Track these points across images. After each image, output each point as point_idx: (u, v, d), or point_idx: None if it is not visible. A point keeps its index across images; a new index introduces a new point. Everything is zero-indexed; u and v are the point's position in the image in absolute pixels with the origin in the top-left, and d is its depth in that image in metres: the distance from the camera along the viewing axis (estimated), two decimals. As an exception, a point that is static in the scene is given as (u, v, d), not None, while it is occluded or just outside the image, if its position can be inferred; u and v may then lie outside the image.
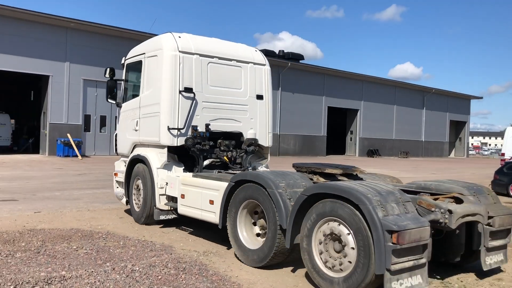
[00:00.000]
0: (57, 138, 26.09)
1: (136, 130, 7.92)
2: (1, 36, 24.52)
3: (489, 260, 5.18)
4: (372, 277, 4.20)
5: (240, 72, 7.68)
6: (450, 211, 4.63)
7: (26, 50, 25.35)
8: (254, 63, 7.89)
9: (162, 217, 7.08)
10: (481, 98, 60.66)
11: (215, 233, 6.91)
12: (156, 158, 7.21)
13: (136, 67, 8.10)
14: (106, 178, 15.12)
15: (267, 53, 38.68)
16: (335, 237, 4.53)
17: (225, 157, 7.37)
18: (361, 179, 6.08)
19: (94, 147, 28.39)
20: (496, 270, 5.59)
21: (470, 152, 65.60)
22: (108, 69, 8.85)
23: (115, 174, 8.69)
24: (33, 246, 5.72)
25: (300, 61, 40.50)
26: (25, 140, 32.77)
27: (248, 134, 7.69)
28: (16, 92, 37.18)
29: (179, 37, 7.21)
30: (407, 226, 4.16)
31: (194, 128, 7.11)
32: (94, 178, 15.13)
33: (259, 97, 7.86)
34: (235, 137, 7.66)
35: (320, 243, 4.64)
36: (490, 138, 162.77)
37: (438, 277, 5.25)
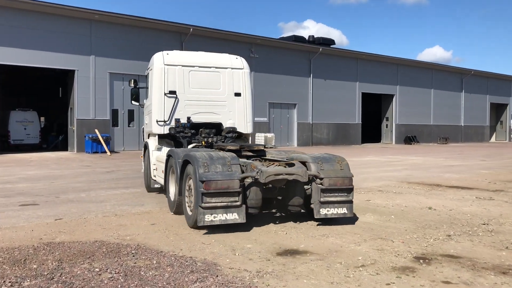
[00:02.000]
0: (85, 134, 25.41)
1: (146, 124, 10.55)
2: (23, 31, 23.86)
3: (324, 211, 6.74)
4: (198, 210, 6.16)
5: (219, 76, 9.78)
6: (261, 171, 6.44)
7: (50, 45, 24.65)
8: (232, 68, 9.90)
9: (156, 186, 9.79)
10: (523, 78, 57.30)
11: (261, 243, 5.68)
12: (153, 143, 9.94)
13: (147, 77, 10.58)
14: (135, 175, 14.11)
15: (296, 38, 37.16)
16: (190, 188, 6.70)
17: (203, 142, 9.04)
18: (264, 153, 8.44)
19: (123, 142, 27.62)
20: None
21: (512, 136, 62.33)
22: (132, 80, 11.27)
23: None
24: (46, 269, 4.60)
25: (331, 46, 38.76)
26: (54, 137, 32.37)
27: (227, 124, 9.68)
28: (45, 89, 36.84)
29: (167, 54, 9.73)
30: (214, 178, 6.10)
31: (177, 120, 9.28)
32: (123, 175, 14.14)
33: (237, 94, 9.88)
34: (216, 127, 9.68)
35: (187, 193, 6.85)
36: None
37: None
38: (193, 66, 9.67)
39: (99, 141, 25.04)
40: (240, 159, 7.05)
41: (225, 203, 6.17)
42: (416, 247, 5.66)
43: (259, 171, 6.47)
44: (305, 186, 6.92)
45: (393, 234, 6.36)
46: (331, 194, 6.77)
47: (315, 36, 38.98)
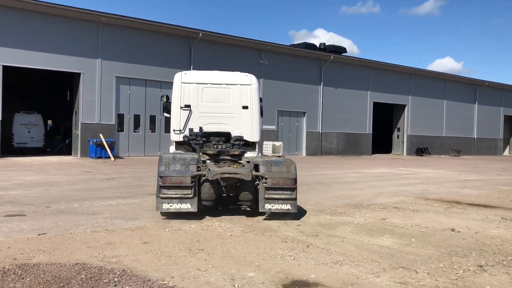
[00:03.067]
0: (89, 138, 24.83)
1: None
2: (28, 32, 23.43)
3: (268, 206, 7.85)
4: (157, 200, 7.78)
5: (229, 91, 10.86)
6: (209, 170, 7.85)
7: (56, 47, 24.19)
8: (241, 84, 10.95)
9: None
10: (539, 91, 56.06)
11: (265, 271, 4.94)
12: (172, 149, 11.13)
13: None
14: (136, 183, 13.43)
15: (307, 46, 36.49)
16: None
17: (212, 147, 9.97)
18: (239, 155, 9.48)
19: (128, 148, 27.02)
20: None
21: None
22: (164, 96, 12.10)
23: None
24: (9, 301, 3.88)
25: (343, 54, 38.03)
26: (59, 140, 31.88)
27: (235, 133, 10.61)
28: (52, 91, 36.47)
29: (185, 73, 10.93)
30: (169, 175, 7.59)
31: (190, 129, 10.45)
32: (123, 183, 13.46)
33: (245, 107, 10.91)
34: (226, 136, 10.57)
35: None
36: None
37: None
38: (206, 83, 11.03)
39: (103, 146, 24.45)
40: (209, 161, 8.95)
41: (179, 195, 7.68)
42: (444, 281, 4.88)
43: (208, 170, 7.96)
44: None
45: (416, 262, 5.58)
46: (275, 192, 7.93)
47: (326, 44, 38.33)
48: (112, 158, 24.00)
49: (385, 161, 31.77)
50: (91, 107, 25.53)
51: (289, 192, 7.94)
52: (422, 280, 4.87)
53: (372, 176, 18.66)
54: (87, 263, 5.09)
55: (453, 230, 7.63)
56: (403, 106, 41.89)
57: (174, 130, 10.93)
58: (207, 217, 8.10)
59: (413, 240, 6.78)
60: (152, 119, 27.95)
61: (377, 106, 39.65)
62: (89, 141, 24.70)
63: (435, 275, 5.08)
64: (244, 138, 10.79)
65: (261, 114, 12.01)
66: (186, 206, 7.69)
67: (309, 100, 34.61)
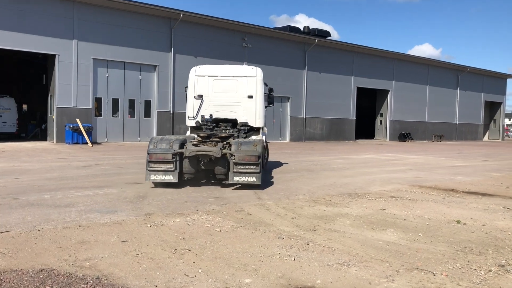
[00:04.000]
0: (66, 123, 23.75)
1: None
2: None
3: (237, 178, 9.26)
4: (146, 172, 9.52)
5: (236, 82, 12.50)
6: (186, 149, 9.50)
7: (29, 27, 22.90)
8: (247, 76, 12.60)
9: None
10: (518, 77, 56.50)
11: (263, 276, 4.28)
12: (188, 134, 12.26)
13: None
14: (114, 171, 12.59)
15: (291, 29, 35.60)
16: None
17: (216, 131, 11.61)
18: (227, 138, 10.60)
19: (106, 133, 25.99)
20: (361, 239, 6.50)
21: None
22: (186, 87, 13.00)
23: None
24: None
25: (327, 38, 37.32)
26: (34, 126, 30.60)
27: (241, 119, 12.40)
28: (28, 75, 34.92)
29: (199, 68, 12.66)
30: (153, 151, 9.33)
31: (202, 116, 12.10)
32: (101, 171, 12.61)
33: (250, 96, 12.49)
34: (233, 122, 12.38)
35: None
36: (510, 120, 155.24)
37: (283, 237, 6.26)
38: (216, 76, 12.71)
39: (80, 131, 23.41)
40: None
41: (163, 168, 9.30)
42: (467, 285, 4.30)
43: (185, 149, 9.53)
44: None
45: (430, 261, 4.99)
46: (242, 167, 9.25)
47: (310, 28, 37.52)
48: (90, 144, 22.99)
49: (370, 146, 31.41)
50: (67, 91, 24.37)
51: (254, 167, 9.26)
52: (443, 285, 4.28)
53: (360, 162, 18.16)
54: (55, 269, 4.35)
55: (458, 222, 7.09)
56: (387, 92, 41.56)
57: (188, 117, 12.77)
58: (193, 210, 7.40)
59: (420, 234, 6.20)
60: (131, 103, 26.92)
61: (360, 91, 39.20)
62: (65, 126, 23.63)
63: (455, 277, 4.49)
64: (249, 124, 12.66)
65: (272, 103, 14.44)
66: (169, 177, 9.34)
67: (293, 84, 33.91)
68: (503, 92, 55.29)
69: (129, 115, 26.91)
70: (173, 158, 9.29)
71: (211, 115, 12.18)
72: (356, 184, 11.22)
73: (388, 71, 41.07)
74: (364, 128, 43.15)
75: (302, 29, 36.91)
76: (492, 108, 55.44)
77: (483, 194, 10.23)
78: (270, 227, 6.37)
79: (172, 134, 28.10)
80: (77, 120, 23.74)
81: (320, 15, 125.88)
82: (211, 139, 10.44)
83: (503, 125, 56.85)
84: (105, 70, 25.76)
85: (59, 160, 15.59)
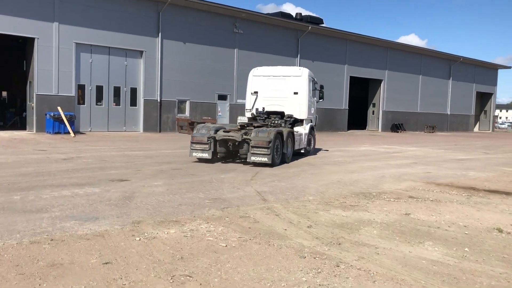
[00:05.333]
0: (46, 112, 22.31)
1: None
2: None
3: (253, 158, 11.76)
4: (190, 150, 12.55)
5: (285, 81, 15.06)
6: (217, 131, 12.35)
7: (6, 8, 21.33)
8: (294, 76, 15.11)
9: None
10: (510, 67, 56.14)
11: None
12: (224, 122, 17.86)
13: None
14: (98, 165, 11.36)
15: (284, 15, 34.31)
16: None
17: (269, 123, 14.41)
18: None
19: (90, 123, 24.61)
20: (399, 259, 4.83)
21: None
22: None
23: None
24: None
25: (320, 25, 36.12)
26: (13, 114, 29.01)
27: (287, 112, 14.86)
28: (7, 60, 33.06)
29: (257, 69, 15.69)
30: (194, 135, 12.31)
31: (257, 109, 14.94)
32: (82, 165, 11.36)
33: (295, 93, 14.90)
34: (281, 114, 14.96)
35: None
36: (500, 111, 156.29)
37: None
38: (269, 76, 15.30)
39: (62, 120, 22.01)
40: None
41: (201, 148, 12.19)
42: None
43: (216, 133, 12.33)
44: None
45: (495, 290, 3.95)
46: (257, 149, 11.69)
47: (303, 14, 36.27)
48: (72, 134, 21.62)
49: (364, 137, 30.51)
50: (48, 77, 22.89)
51: (265, 150, 11.71)
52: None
53: (359, 155, 17.17)
54: (11, 313, 3.19)
55: (500, 230, 6.09)
56: (379, 81, 40.65)
57: (246, 110, 15.53)
58: (189, 216, 6.27)
59: (466, 249, 5.16)
60: (117, 91, 25.52)
61: (352, 81, 38.21)
62: (45, 114, 22.21)
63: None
64: (294, 116, 14.99)
65: (322, 98, 17.06)
66: (205, 155, 12.23)
67: (285, 73, 32.72)
68: (494, 83, 54.84)
69: (114, 104, 25.53)
70: (208, 140, 12.20)
71: (263, 108, 14.93)
72: (366, 181, 10.18)
73: (381, 60, 40.11)
74: (356, 118, 42.24)
75: (294, 16, 35.65)
76: (483, 99, 54.99)
77: (507, 193, 9.27)
78: (285, 240, 5.27)
79: (160, 123, 26.84)
80: (59, 108, 22.31)
81: (307, 5, 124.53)
82: (247, 127, 13.02)
83: (494, 116, 56.49)
84: (89, 55, 24.29)
85: (37, 152, 14.27)
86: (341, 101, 37.08)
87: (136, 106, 26.23)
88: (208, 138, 12.15)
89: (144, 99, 26.21)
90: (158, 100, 26.65)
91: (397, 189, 9.27)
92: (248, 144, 11.93)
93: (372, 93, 41.75)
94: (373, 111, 41.90)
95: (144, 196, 7.58)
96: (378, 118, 41.37)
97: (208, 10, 28.08)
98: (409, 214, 6.95)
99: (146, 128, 26.35)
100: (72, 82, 23.63)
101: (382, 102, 40.98)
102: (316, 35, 34.31)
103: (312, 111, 16.06)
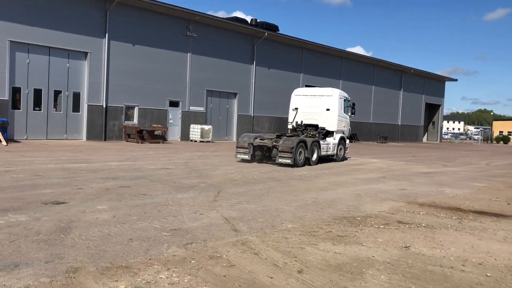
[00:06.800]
0: (-26, 117, 19.82)
1: None
2: None
3: (280, 160, 15.22)
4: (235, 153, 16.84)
5: (320, 99, 18.42)
6: (255, 139, 16.24)
7: None
8: (327, 95, 18.47)
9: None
10: (456, 80, 57.96)
11: None
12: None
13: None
14: (30, 181, 9.54)
15: (238, 20, 33.22)
16: None
17: (306, 133, 17.92)
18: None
19: (26, 130, 22.27)
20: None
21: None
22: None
23: None
24: None
25: (276, 32, 35.27)
26: None
27: (321, 125, 18.15)
28: None
29: (297, 89, 19.83)
30: (239, 141, 16.48)
31: (296, 122, 18.30)
32: (10, 182, 9.52)
33: (327, 109, 18.20)
34: (315, 126, 18.22)
35: None
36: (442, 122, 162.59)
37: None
38: (307, 95, 18.75)
39: (-7, 126, 19.59)
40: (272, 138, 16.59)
41: (243, 151, 16.06)
42: None
43: (254, 140, 16.10)
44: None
45: None
46: (282, 153, 15.25)
47: (258, 20, 35.30)
48: (4, 143, 19.28)
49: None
50: (-23, 78, 20.41)
51: (289, 154, 15.13)
52: None
53: (321, 168, 16.18)
54: None
55: (523, 269, 5.08)
56: (334, 91, 40.30)
57: (288, 122, 18.80)
58: (143, 258, 4.82)
59: (505, 304, 4.07)
60: (57, 95, 23.31)
61: (308, 90, 37.62)
62: (-27, 120, 19.71)
63: None
64: (326, 128, 18.16)
65: (354, 113, 19.96)
66: (246, 156, 15.97)
67: (241, 80, 31.58)
68: (441, 94, 56.32)
69: (54, 109, 23.29)
70: (248, 145, 15.94)
71: (302, 121, 18.33)
72: (343, 201, 9.07)
73: (336, 69, 39.88)
74: (310, 127, 41.67)
75: (249, 22, 34.64)
76: (431, 110, 56.32)
77: (496, 215, 8.47)
78: (276, 295, 3.96)
79: (105, 131, 24.80)
80: (-11, 113, 19.90)
81: (258, 15, 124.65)
82: (281, 137, 16.21)
83: (441, 127, 58.00)
84: (26, 55, 22.01)
85: (-42, 164, 12.18)
86: (296, 110, 36.30)
87: (79, 112, 24.11)
88: (248, 144, 15.93)
89: (88, 105, 24.14)
90: (104, 106, 24.64)
91: (380, 211, 8.21)
92: (277, 149, 15.44)
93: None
94: (327, 121, 41.47)
95: (85, 226, 6.03)
96: (332, 128, 40.98)
97: (160, 11, 26.45)
98: (409, 247, 5.84)
99: (90, 136, 24.26)
100: (5, 85, 21.26)
101: (336, 112, 40.64)
102: (272, 42, 33.42)
103: (344, 125, 19.18)
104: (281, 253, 5.23)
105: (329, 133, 18.23)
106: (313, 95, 18.56)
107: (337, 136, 18.43)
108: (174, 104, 27.94)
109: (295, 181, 12.10)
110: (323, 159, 17.74)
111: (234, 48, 30.88)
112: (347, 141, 19.65)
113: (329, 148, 17.97)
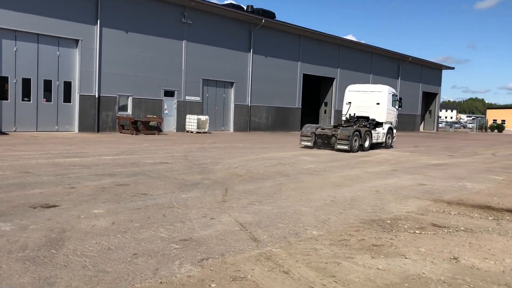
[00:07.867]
0: (-41, 108, 18.75)
1: None
2: None
3: (339, 146, 18.25)
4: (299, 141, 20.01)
5: (370, 94, 21.19)
6: (316, 130, 19.34)
7: None
8: (377, 91, 21.33)
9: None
10: (453, 68, 57.25)
11: None
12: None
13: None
14: (17, 179, 8.60)
15: (234, 7, 32.13)
16: None
17: (358, 124, 20.51)
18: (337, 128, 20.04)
19: (15, 121, 21.21)
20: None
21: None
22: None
23: None
24: None
25: (274, 19, 34.22)
26: None
27: (371, 117, 20.97)
28: None
29: (350, 86, 22.40)
30: (302, 131, 19.51)
31: (350, 114, 21.39)
32: (-5, 181, 8.59)
33: (378, 103, 21.03)
34: (367, 118, 21.08)
35: None
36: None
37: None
38: (359, 91, 21.64)
39: (-21, 118, 18.54)
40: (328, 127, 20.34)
41: (307, 139, 19.11)
42: None
43: (316, 130, 19.22)
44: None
45: None
46: (341, 140, 18.10)
47: (254, 7, 34.22)
48: (-9, 135, 18.25)
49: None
50: (-39, 67, 19.29)
51: (346, 141, 18.03)
52: None
53: (329, 160, 15.38)
54: None
55: None
56: (332, 79, 39.47)
57: (343, 115, 21.88)
58: (152, 281, 3.97)
59: None
60: (47, 84, 22.21)
61: (305, 78, 36.72)
62: (-42, 111, 18.65)
63: None
64: (376, 120, 20.95)
65: (401, 106, 23.04)
66: (309, 144, 18.92)
67: (237, 69, 30.57)
68: (438, 83, 55.62)
69: (45, 99, 22.21)
70: (310, 134, 18.96)
71: (354, 114, 21.15)
72: (364, 200, 8.25)
73: (333, 58, 38.94)
74: (308, 117, 40.82)
75: (246, 8, 33.55)
76: (428, 99, 55.63)
77: (533, 214, 7.68)
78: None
79: (98, 122, 23.81)
80: (-25, 104, 18.83)
81: (251, 1, 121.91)
82: (338, 127, 19.38)
83: (439, 116, 57.37)
84: (13, 42, 20.87)
85: None
86: (294, 99, 35.47)
87: (70, 102, 23.04)
88: (311, 133, 18.95)
89: (80, 95, 23.08)
90: (96, 96, 23.59)
91: (409, 212, 7.40)
92: (336, 137, 18.33)
93: (324, 91, 40.52)
94: (325, 110, 40.69)
95: (80, 237, 5.16)
96: (331, 118, 40.20)
97: (153, -3, 25.31)
98: (458, 258, 5.04)
99: (82, 128, 23.23)
100: (-8, 74, 20.14)
101: (335, 101, 39.83)
102: (269, 29, 32.38)
103: (391, 117, 22.00)
104: (315, 271, 4.40)
105: (379, 124, 21.07)
106: (364, 91, 21.56)
107: (385, 127, 21.41)
108: (169, 93, 26.93)
109: (304, 175, 11.27)
110: (373, 146, 20.56)
111: (231, 35, 29.84)
112: (395, 131, 22.82)
113: (379, 137, 20.94)
